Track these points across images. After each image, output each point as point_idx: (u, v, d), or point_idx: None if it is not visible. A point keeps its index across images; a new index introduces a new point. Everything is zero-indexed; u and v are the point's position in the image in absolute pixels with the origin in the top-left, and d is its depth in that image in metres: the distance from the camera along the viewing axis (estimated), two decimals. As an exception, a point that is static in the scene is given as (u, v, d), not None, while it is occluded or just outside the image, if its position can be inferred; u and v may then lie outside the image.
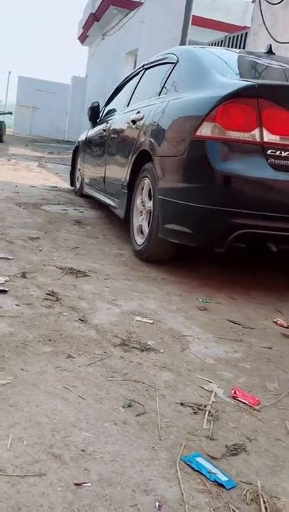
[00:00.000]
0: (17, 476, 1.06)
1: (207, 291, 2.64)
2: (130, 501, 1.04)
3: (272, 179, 2.42)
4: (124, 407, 1.41)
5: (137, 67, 4.34)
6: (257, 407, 1.51)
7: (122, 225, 3.88)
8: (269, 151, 2.41)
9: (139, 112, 3.45)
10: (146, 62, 4.02)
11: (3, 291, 2.15)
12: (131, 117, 3.55)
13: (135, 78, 4.25)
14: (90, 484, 1.07)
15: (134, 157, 3.33)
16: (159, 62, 3.70)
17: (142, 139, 3.22)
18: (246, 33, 7.54)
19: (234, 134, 2.44)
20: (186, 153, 2.60)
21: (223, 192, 2.48)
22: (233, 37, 8.27)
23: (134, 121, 3.47)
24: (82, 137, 5.59)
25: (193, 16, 9.68)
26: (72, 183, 6.13)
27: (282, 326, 2.28)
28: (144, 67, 4.04)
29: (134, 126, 3.47)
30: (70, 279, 2.50)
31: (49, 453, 1.15)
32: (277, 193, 2.46)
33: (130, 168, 3.39)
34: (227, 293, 2.65)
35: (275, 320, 2.33)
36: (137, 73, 4.22)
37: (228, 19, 12.60)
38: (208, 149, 2.48)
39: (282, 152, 2.41)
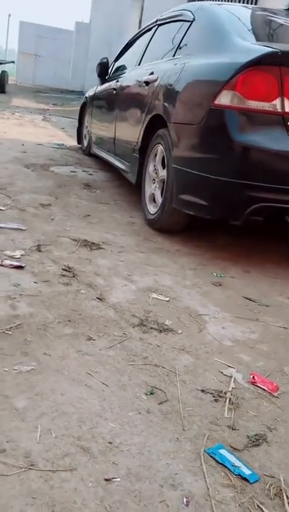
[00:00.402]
0: (49, 470, 1.09)
1: (221, 263, 2.64)
2: (159, 497, 1.07)
3: None
4: (146, 394, 1.43)
5: (149, 23, 4.13)
6: (276, 394, 1.54)
7: (133, 189, 3.83)
8: None
9: (152, 73, 3.32)
10: (160, 18, 3.84)
11: (20, 267, 2.15)
12: (144, 78, 3.42)
13: (147, 34, 4.07)
14: (119, 479, 1.10)
15: (146, 121, 3.24)
16: (174, 19, 3.52)
17: (156, 103, 3.11)
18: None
19: (255, 104, 2.36)
20: (204, 122, 2.52)
21: (241, 164, 2.42)
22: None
23: (147, 83, 3.34)
24: (90, 93, 5.42)
25: None
26: (80, 141, 6.00)
27: (296, 303, 2.29)
28: (157, 23, 3.86)
29: (147, 88, 3.34)
30: (85, 252, 2.49)
31: (78, 446, 1.18)
32: None
33: (142, 132, 3.31)
34: (241, 266, 2.65)
35: (289, 297, 2.34)
36: (149, 29, 4.04)
37: None
38: (227, 119, 2.41)
39: None
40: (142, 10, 12.38)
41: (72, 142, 6.43)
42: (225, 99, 2.41)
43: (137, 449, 1.21)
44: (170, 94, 2.93)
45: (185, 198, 2.70)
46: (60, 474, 1.09)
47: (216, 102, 2.43)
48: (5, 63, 16.93)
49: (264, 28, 3.10)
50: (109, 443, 1.21)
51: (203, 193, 2.60)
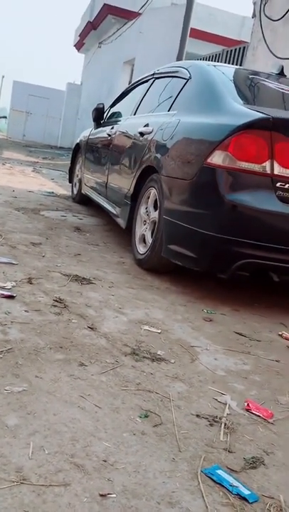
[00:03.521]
0: (42, 485, 1.05)
1: (210, 302, 2.65)
2: (156, 513, 1.03)
3: (279, 212, 2.44)
4: (140, 417, 1.40)
5: (146, 74, 4.32)
6: (271, 420, 1.52)
7: (122, 232, 3.88)
8: (278, 184, 2.44)
9: (147, 125, 3.43)
10: (157, 72, 4.02)
11: (11, 297, 2.13)
12: (139, 129, 3.53)
13: (144, 85, 4.24)
14: (115, 495, 1.06)
15: (139, 170, 3.33)
16: (170, 74, 3.67)
17: (150, 154, 3.21)
18: (244, 47, 7.64)
19: (245, 165, 2.45)
20: (196, 179, 2.61)
21: (230, 221, 2.50)
22: (231, 51, 8.36)
23: (142, 134, 3.46)
24: (85, 135, 5.51)
25: (190, 28, 9.80)
26: (71, 180, 6.08)
27: (287, 339, 2.29)
28: (154, 76, 4.04)
29: (141, 139, 3.45)
30: (76, 286, 2.49)
31: (71, 462, 1.14)
32: (283, 226, 2.49)
33: (135, 180, 3.38)
34: (230, 305, 2.66)
35: (280, 333, 2.34)
36: (146, 81, 4.22)
37: (225, 33, 12.76)
38: (218, 178, 2.49)
39: None
40: (132, 72, 13.03)
41: (63, 191, 6.53)
42: (217, 158, 2.50)
43: (133, 467, 1.17)
44: (164, 147, 3.03)
45: (174, 249, 2.76)
46: (54, 489, 1.05)
47: (209, 160, 2.53)
48: (-2, 118, 17.40)
49: (257, 92, 3.25)
50: (104, 461, 1.17)
51: (192, 246, 2.66)
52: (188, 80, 3.28)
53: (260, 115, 2.50)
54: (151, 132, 3.29)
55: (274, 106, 3.05)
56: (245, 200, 2.44)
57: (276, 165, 2.44)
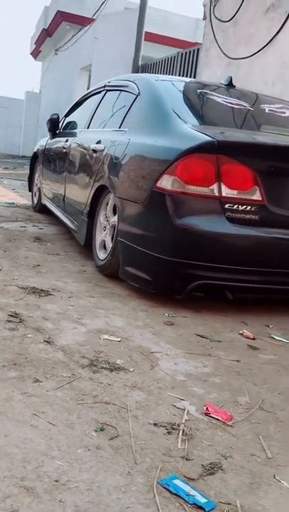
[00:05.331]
0: (-12, 514, 1.00)
1: (172, 305, 2.63)
2: (109, 532, 1.00)
3: (229, 233, 2.47)
4: (96, 431, 1.37)
5: (98, 85, 4.30)
6: (230, 423, 1.50)
7: (83, 240, 3.83)
8: (227, 205, 2.45)
9: (100, 142, 3.40)
10: (108, 84, 3.99)
11: None
12: (92, 145, 3.49)
13: (96, 97, 4.20)
14: (65, 517, 1.02)
15: (94, 188, 3.30)
16: (121, 88, 3.64)
17: (103, 173, 3.18)
18: (198, 49, 7.70)
19: (193, 189, 2.46)
20: (147, 202, 2.62)
21: (182, 245, 2.51)
22: (186, 53, 8.42)
23: (94, 151, 3.43)
24: (42, 144, 5.45)
25: (145, 32, 9.84)
26: (31, 189, 6.01)
27: (248, 338, 2.29)
28: (106, 88, 4.01)
29: (94, 155, 3.40)
30: (33, 298, 2.43)
31: (21, 486, 1.10)
32: (234, 247, 2.52)
33: (90, 198, 3.35)
34: (192, 307, 2.65)
35: (241, 332, 2.35)
36: (99, 92, 4.19)
37: (180, 35, 12.88)
38: (167, 202, 2.49)
39: (239, 206, 2.47)
40: (90, 78, 12.99)
41: (24, 201, 6.44)
42: (166, 182, 2.50)
43: (86, 485, 1.13)
44: (115, 167, 3.00)
45: (130, 271, 2.76)
46: (1, 517, 1.00)
47: (158, 184, 2.53)
48: None
49: (205, 109, 3.24)
50: (56, 481, 1.13)
51: (147, 269, 2.66)
52: (137, 96, 3.26)
53: (206, 138, 2.51)
54: (103, 150, 3.27)
55: (222, 123, 3.07)
56: (196, 223, 2.46)
57: (224, 187, 2.46)
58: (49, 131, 5.05)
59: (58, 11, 14.55)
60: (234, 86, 3.68)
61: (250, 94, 3.70)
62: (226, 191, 2.45)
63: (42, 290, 2.56)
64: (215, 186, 2.45)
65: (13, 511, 1.02)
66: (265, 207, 2.51)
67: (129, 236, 2.75)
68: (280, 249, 2.59)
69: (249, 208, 2.48)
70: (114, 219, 2.98)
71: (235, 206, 2.46)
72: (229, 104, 3.26)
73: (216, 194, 2.45)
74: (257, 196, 2.49)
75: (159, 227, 2.57)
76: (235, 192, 2.47)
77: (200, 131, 2.62)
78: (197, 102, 3.33)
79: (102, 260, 3.09)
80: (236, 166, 2.49)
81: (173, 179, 2.47)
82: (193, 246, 2.49)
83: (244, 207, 2.47)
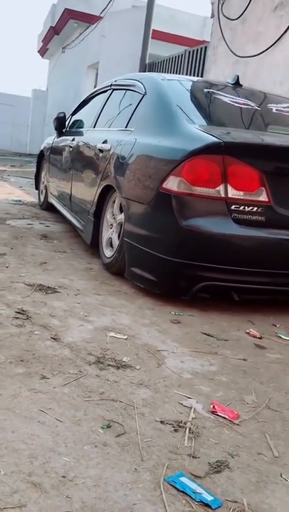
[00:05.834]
0: (-4, 509, 1.01)
1: (179, 304, 2.63)
2: (116, 529, 1.00)
3: (235, 234, 2.46)
4: (103, 428, 1.37)
5: (104, 83, 4.29)
6: (236, 422, 1.50)
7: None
8: (233, 207, 2.45)
9: (106, 142, 3.39)
10: (114, 83, 3.98)
11: (-29, 311, 2.08)
12: (98, 145, 3.49)
13: (103, 96, 4.19)
14: (73, 513, 1.02)
15: (100, 188, 3.30)
16: (127, 87, 3.62)
17: (109, 173, 3.18)
18: (205, 47, 7.68)
19: (200, 190, 2.45)
20: (153, 203, 2.61)
21: (188, 246, 2.51)
22: (193, 51, 8.40)
23: (101, 150, 3.42)
24: (48, 142, 5.46)
25: (152, 30, 9.83)
26: (38, 187, 6.02)
27: (255, 337, 2.29)
28: (112, 87, 4.00)
29: (100, 155, 3.40)
30: (40, 296, 2.44)
31: (28, 482, 1.10)
32: (240, 248, 2.51)
33: (97, 198, 3.35)
34: (199, 305, 2.65)
35: (247, 331, 2.34)
36: (105, 91, 4.19)
37: (187, 33, 12.85)
38: (174, 203, 2.49)
39: (246, 207, 2.46)
40: (97, 76, 12.98)
41: (31, 199, 6.45)
42: (172, 184, 2.49)
43: (93, 481, 1.14)
44: (122, 168, 2.99)
45: (136, 271, 2.76)
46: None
47: (164, 185, 2.52)
48: None
49: (212, 109, 3.23)
50: (63, 477, 1.14)
51: (153, 270, 2.66)
52: (143, 95, 3.24)
53: (212, 139, 2.49)
54: (109, 150, 3.26)
55: (229, 123, 3.05)
56: (202, 224, 2.46)
57: (230, 188, 2.45)
58: (56, 129, 5.05)
59: (66, 8, 14.54)
60: (241, 85, 3.66)
61: (257, 93, 3.68)
62: (233, 192, 2.45)
63: (49, 287, 2.57)
64: (221, 187, 2.44)
65: (20, 506, 1.02)
66: (271, 208, 2.50)
67: (135, 237, 2.75)
68: (286, 251, 2.58)
69: (255, 209, 2.48)
70: (121, 216, 2.98)
71: (242, 207, 2.45)
72: (236, 104, 3.24)
73: (222, 195, 2.45)
74: (263, 197, 2.49)
75: (164, 228, 2.57)
76: (241, 193, 2.46)
77: (206, 132, 2.61)
78: (204, 102, 3.32)
79: (108, 258, 3.10)
80: (243, 167, 2.48)
81: (179, 180, 2.47)
82: (199, 247, 2.49)
83: (250, 208, 2.47)
